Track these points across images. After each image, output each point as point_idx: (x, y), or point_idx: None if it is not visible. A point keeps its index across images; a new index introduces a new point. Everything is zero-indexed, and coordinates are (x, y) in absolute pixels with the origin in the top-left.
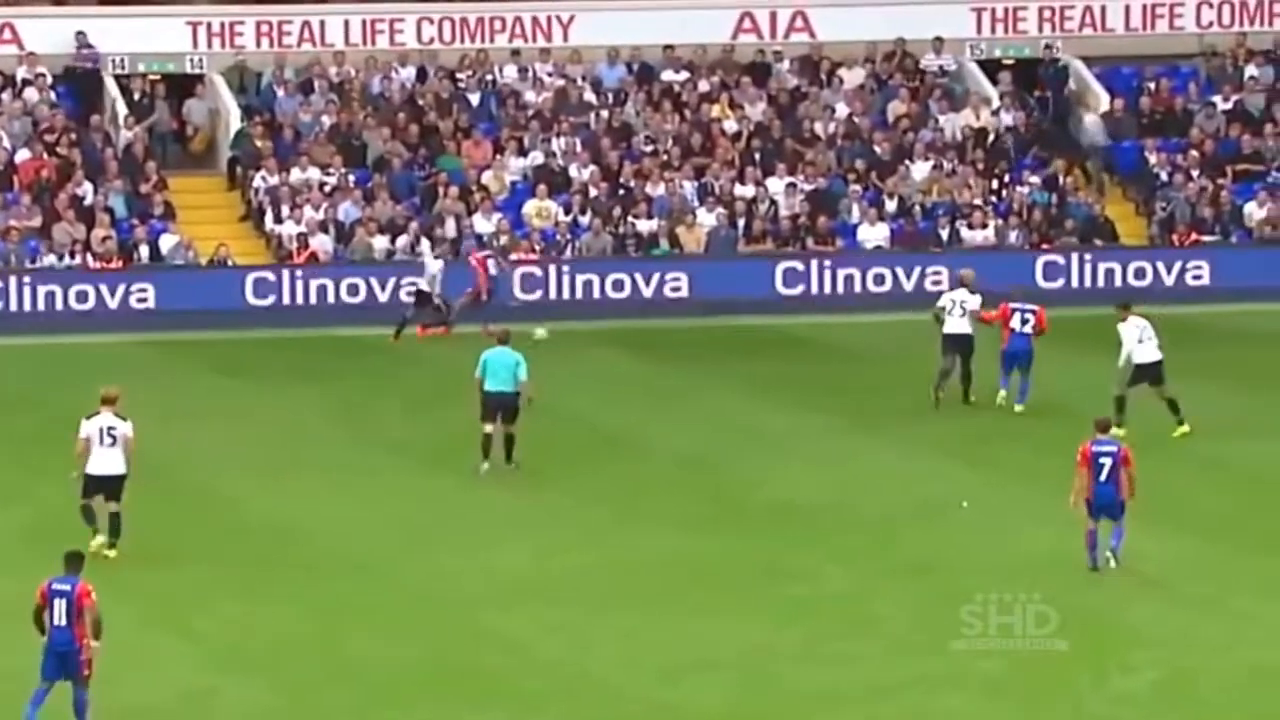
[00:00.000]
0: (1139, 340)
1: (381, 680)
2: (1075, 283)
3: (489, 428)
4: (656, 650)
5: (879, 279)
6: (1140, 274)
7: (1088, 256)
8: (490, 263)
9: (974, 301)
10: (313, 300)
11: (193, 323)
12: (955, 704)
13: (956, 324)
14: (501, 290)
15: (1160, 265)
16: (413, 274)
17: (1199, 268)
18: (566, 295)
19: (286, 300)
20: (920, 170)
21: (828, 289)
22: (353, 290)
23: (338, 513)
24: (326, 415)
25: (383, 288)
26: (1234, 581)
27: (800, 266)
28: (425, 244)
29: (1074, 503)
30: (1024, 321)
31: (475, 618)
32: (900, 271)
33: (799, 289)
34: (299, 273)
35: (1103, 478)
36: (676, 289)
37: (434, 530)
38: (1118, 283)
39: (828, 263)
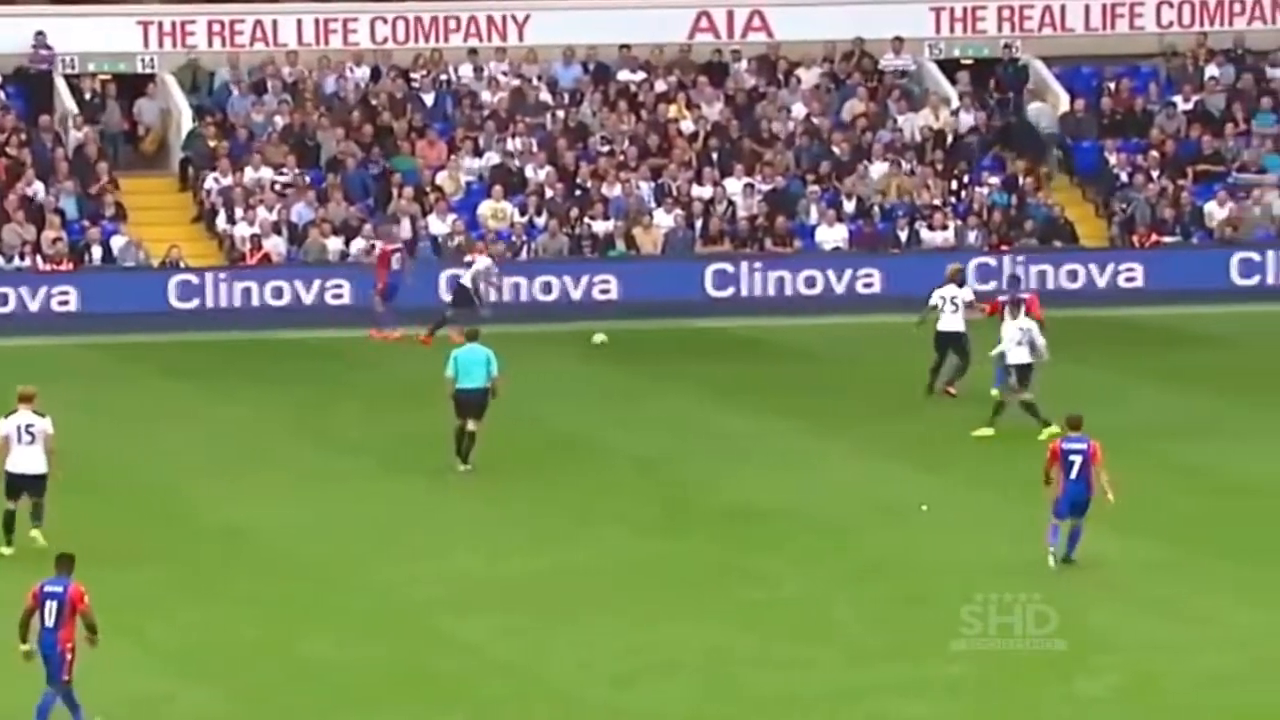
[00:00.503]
0: (1017, 342)
1: (337, 684)
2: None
3: (460, 423)
4: (613, 654)
5: (810, 281)
6: (1073, 276)
7: (1020, 259)
8: (395, 257)
9: (965, 294)
10: (236, 303)
11: (118, 325)
12: (915, 709)
13: (949, 321)
14: (405, 289)
15: (1093, 268)
16: (341, 276)
17: (1132, 270)
18: (516, 297)
19: (210, 304)
20: (879, 171)
21: (758, 290)
22: (277, 293)
23: (294, 516)
24: (281, 418)
25: (308, 290)
26: (1196, 585)
27: (730, 268)
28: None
29: (1051, 498)
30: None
31: (431, 622)
32: (832, 274)
33: (729, 290)
34: (222, 275)
35: (1073, 475)
36: (606, 291)
37: (390, 533)
38: (1050, 285)
39: (758, 265)
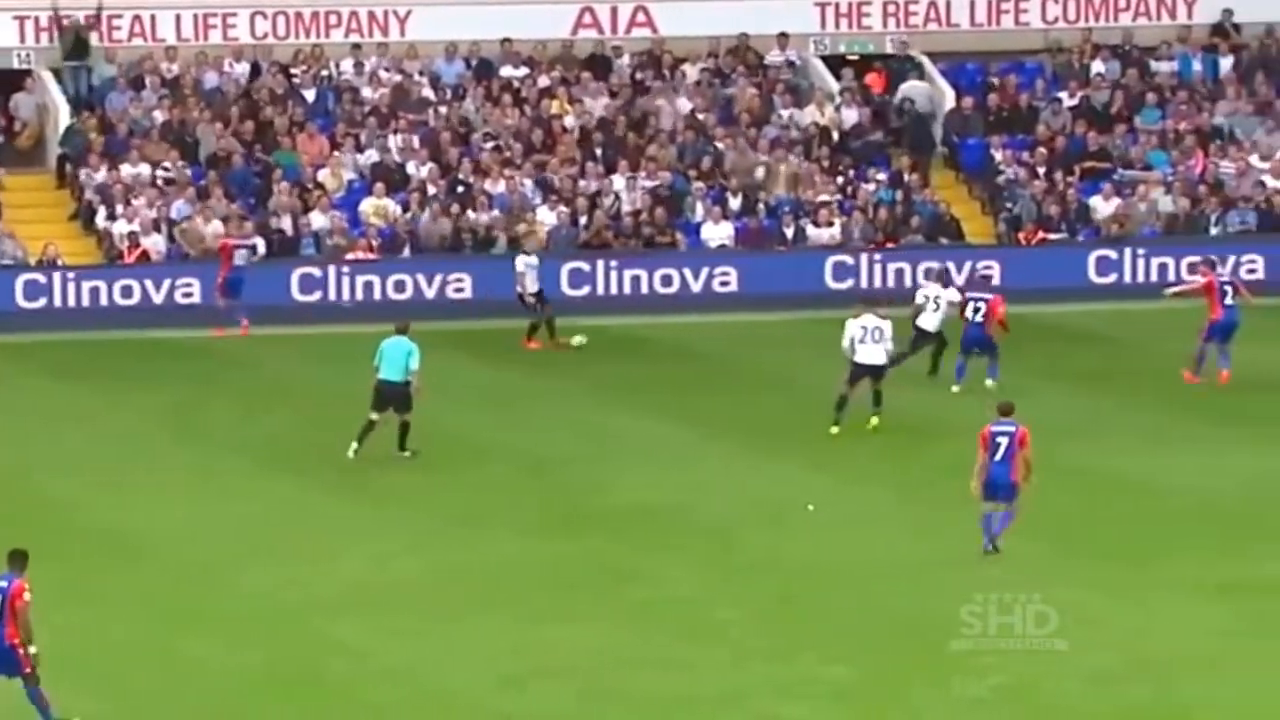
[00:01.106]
0: (861, 340)
1: (219, 688)
2: (864, 283)
3: (375, 415)
4: (498, 657)
5: (666, 279)
6: (928, 273)
7: (877, 257)
8: (239, 253)
9: (950, 294)
10: (85, 303)
11: None
12: (798, 711)
13: (929, 319)
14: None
15: (950, 265)
16: (188, 275)
17: (989, 268)
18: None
19: (58, 303)
20: (764, 167)
21: (615, 289)
22: (126, 292)
23: (172, 516)
24: (160, 418)
25: (158, 289)
26: (1077, 585)
27: (586, 267)
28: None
29: (974, 486)
30: (975, 311)
31: (315, 624)
32: (689, 272)
33: (585, 289)
34: (70, 274)
35: (998, 457)
36: (460, 290)
37: (273, 535)
38: (908, 283)
39: (614, 263)
